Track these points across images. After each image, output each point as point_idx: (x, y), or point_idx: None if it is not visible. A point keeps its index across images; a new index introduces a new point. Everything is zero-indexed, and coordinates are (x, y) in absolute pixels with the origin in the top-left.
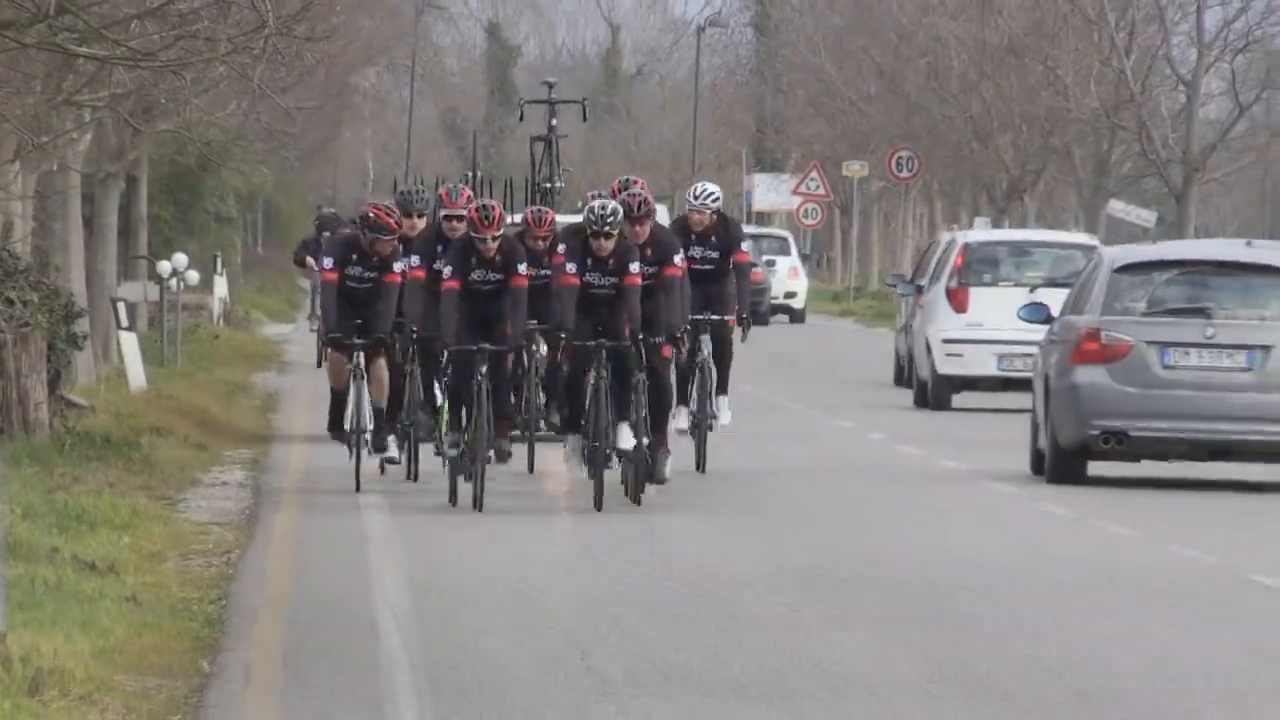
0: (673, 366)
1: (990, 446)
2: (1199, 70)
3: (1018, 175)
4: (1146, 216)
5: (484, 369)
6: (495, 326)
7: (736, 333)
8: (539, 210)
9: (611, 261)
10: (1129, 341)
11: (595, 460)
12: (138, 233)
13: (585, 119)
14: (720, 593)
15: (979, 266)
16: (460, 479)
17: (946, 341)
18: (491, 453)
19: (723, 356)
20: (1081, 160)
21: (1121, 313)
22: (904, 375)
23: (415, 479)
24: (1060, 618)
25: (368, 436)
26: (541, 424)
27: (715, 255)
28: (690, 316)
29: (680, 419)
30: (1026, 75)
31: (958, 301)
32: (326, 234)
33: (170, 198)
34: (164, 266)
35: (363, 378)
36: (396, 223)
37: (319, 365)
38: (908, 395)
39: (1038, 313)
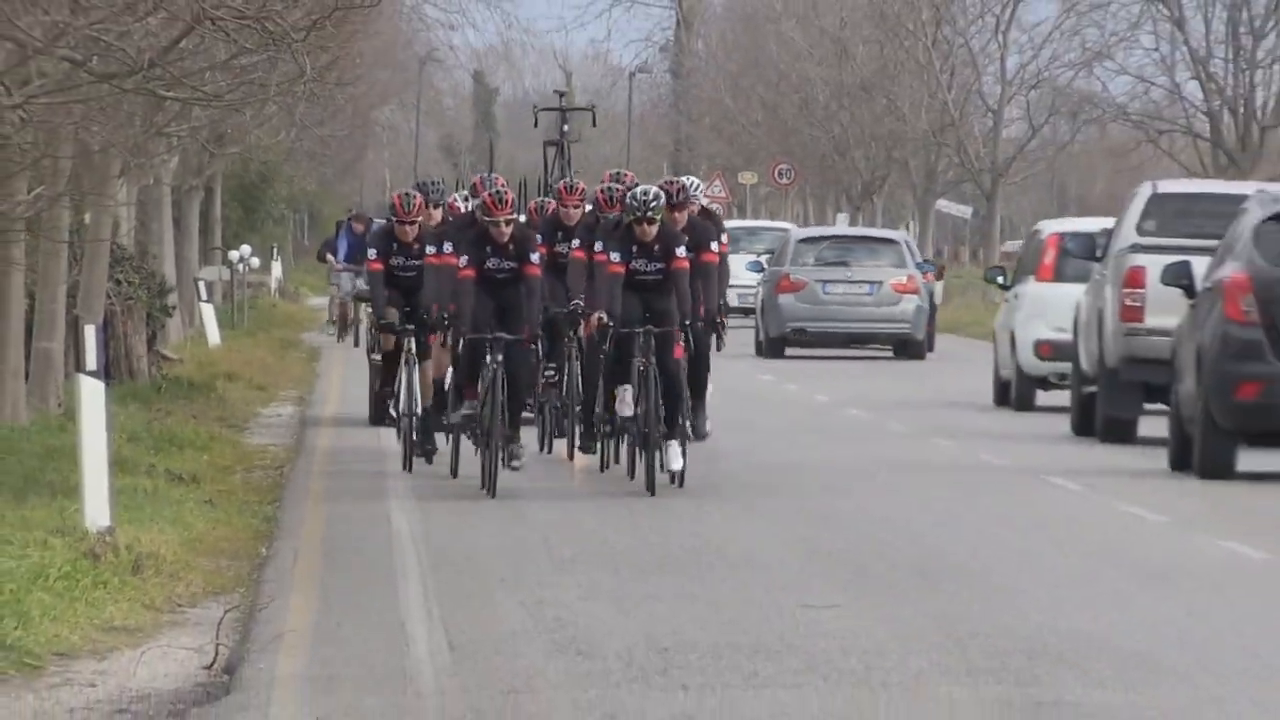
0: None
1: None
2: (1002, 102)
3: (868, 181)
4: (964, 211)
5: (499, 357)
6: (511, 315)
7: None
8: (571, 180)
9: (657, 247)
10: (805, 280)
11: (648, 445)
12: (213, 229)
13: (595, 124)
14: (643, 495)
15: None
16: (463, 444)
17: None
18: (502, 451)
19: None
20: (915, 169)
21: (802, 265)
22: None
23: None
24: (907, 508)
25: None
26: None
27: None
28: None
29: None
30: (874, 106)
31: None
32: (343, 230)
33: (237, 203)
34: (233, 255)
35: (413, 363)
36: (410, 208)
37: (371, 350)
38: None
39: (756, 267)
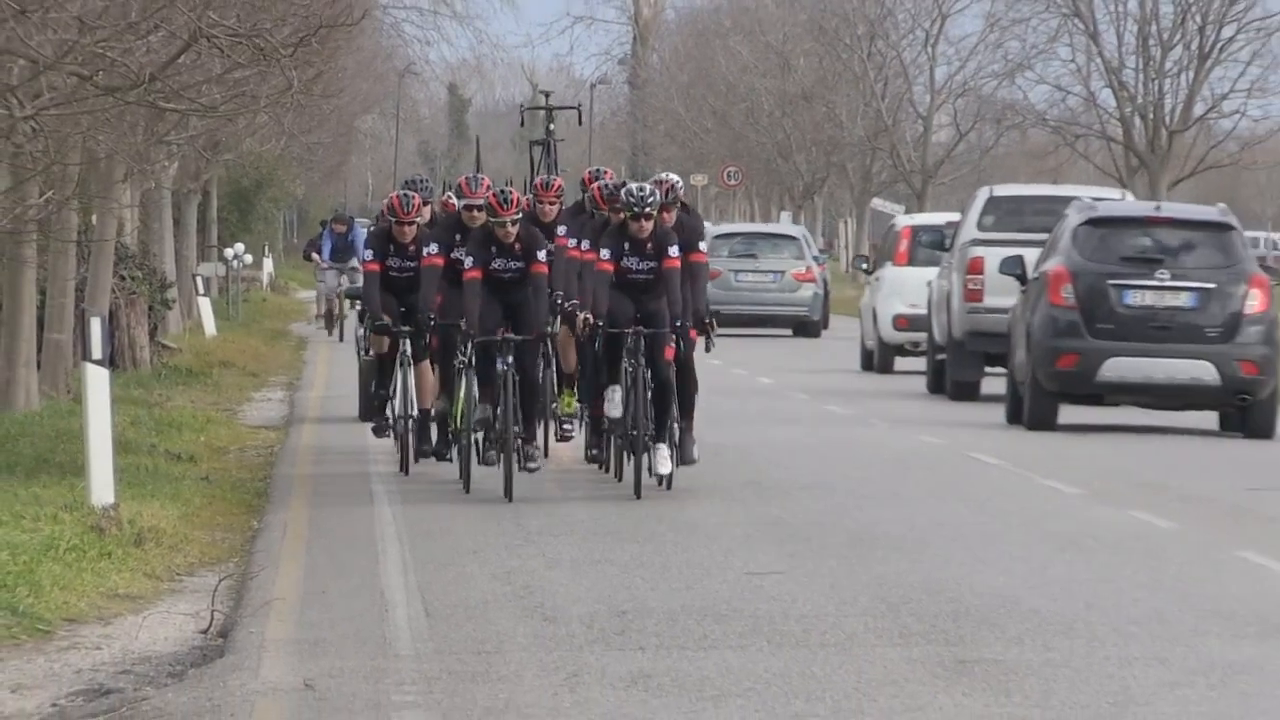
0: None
1: None
2: (932, 109)
3: (809, 182)
4: (897, 209)
5: (509, 358)
6: (520, 315)
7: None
8: (548, 177)
9: (650, 245)
10: (720, 270)
11: (636, 448)
12: (210, 229)
13: (581, 123)
14: (604, 478)
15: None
16: (477, 464)
17: None
18: (517, 455)
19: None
20: (852, 171)
21: (717, 256)
22: None
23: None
24: (837, 480)
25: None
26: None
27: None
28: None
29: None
30: (814, 113)
31: None
32: (326, 231)
33: (232, 205)
34: (228, 252)
35: (409, 364)
36: (409, 209)
37: (364, 352)
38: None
39: None
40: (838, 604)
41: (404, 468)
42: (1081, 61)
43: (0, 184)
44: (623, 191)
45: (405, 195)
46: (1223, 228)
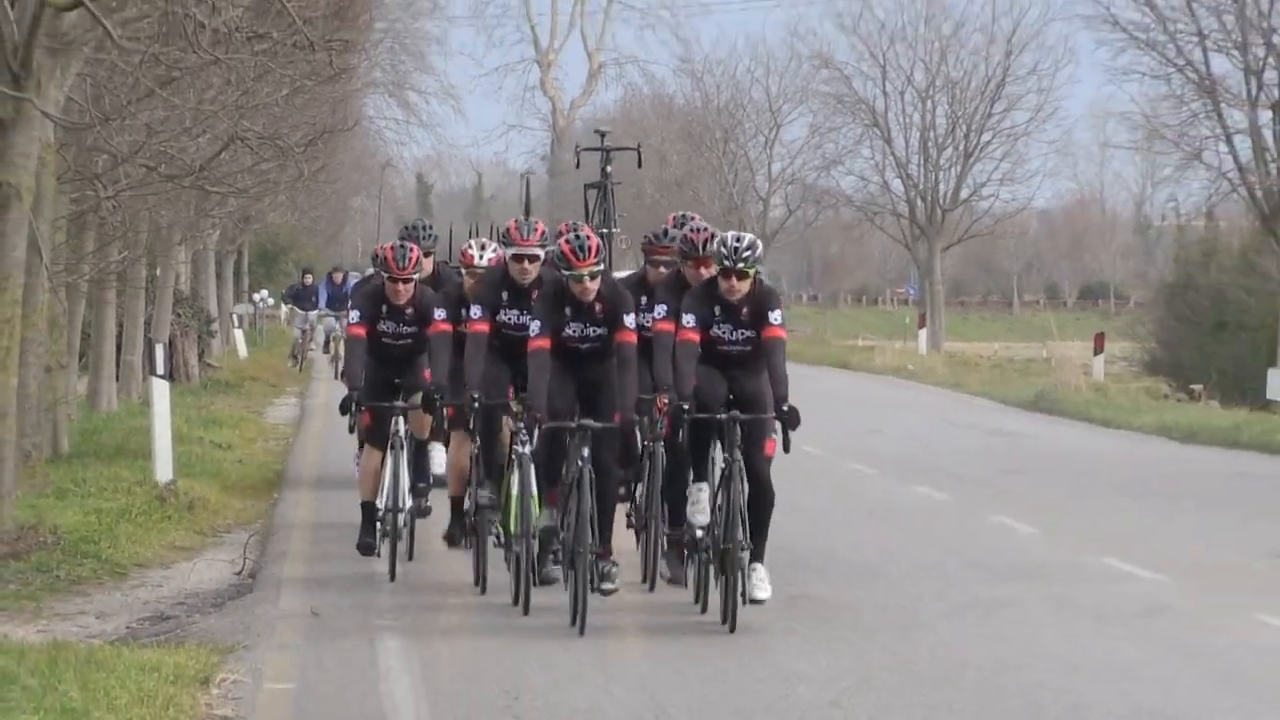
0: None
1: None
2: (769, 193)
3: None
4: None
5: (585, 451)
6: (598, 396)
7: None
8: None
9: (746, 309)
10: None
11: (728, 566)
12: (243, 279)
13: (640, 165)
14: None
15: None
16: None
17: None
18: (592, 572)
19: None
20: None
21: None
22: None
23: (483, 590)
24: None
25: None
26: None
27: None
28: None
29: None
30: (684, 196)
31: None
32: (309, 281)
33: (259, 262)
34: (256, 297)
35: (402, 447)
36: (404, 263)
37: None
38: None
39: None
40: None
41: (392, 573)
42: (879, 159)
43: (89, 246)
44: (718, 240)
45: (401, 248)
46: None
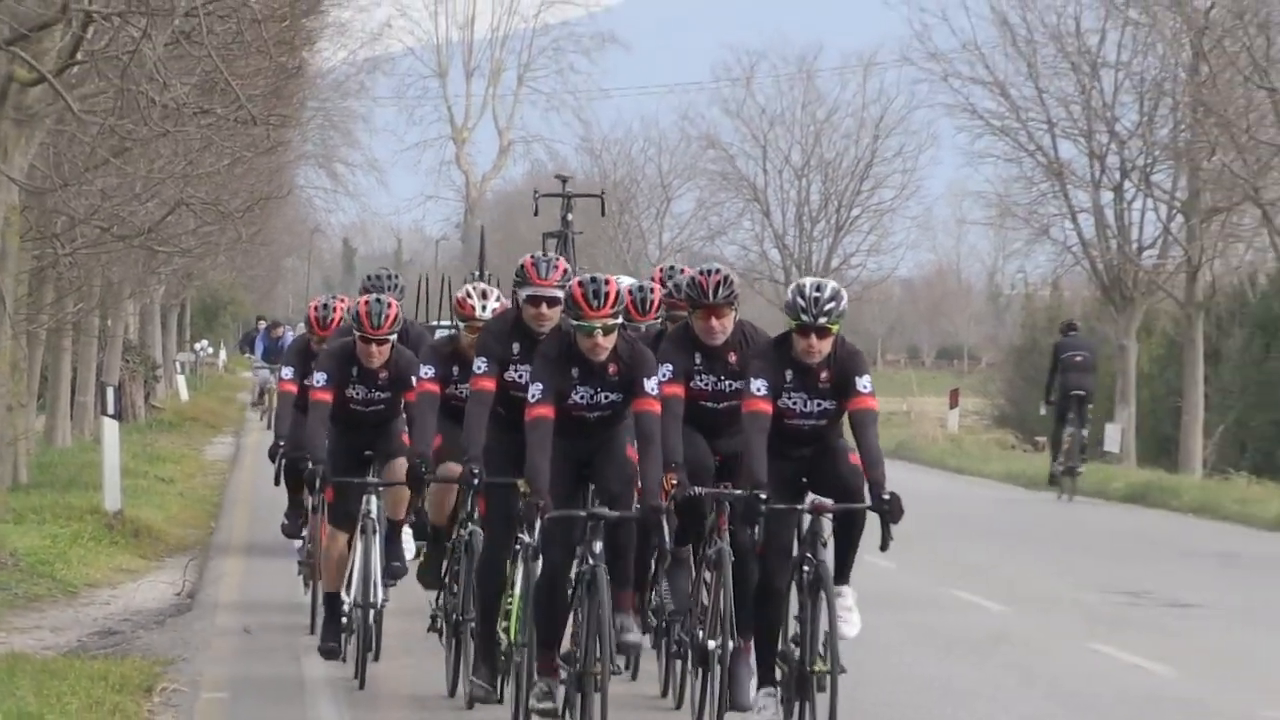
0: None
1: None
2: (660, 260)
3: None
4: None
5: (597, 547)
6: (607, 469)
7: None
8: (642, 287)
9: (826, 374)
10: None
11: (803, 688)
12: (185, 330)
13: (604, 213)
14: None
15: None
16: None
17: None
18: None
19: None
20: None
21: None
22: None
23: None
24: None
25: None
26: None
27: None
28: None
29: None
30: (583, 260)
31: None
32: (261, 329)
33: (200, 315)
34: (198, 346)
35: (374, 531)
36: (379, 323)
37: (276, 483)
38: None
39: None
40: None
41: (359, 677)
42: (759, 230)
43: (48, 298)
44: (793, 289)
45: (376, 302)
46: None
